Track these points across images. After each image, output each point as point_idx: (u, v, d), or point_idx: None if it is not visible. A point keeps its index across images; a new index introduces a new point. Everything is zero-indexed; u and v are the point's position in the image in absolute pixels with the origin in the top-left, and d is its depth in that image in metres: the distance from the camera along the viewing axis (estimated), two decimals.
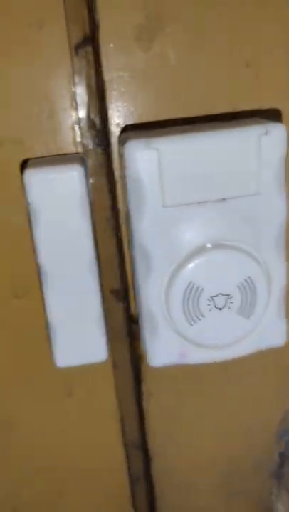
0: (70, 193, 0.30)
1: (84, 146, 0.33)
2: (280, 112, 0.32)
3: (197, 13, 0.31)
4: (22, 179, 0.30)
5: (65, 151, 0.33)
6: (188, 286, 0.30)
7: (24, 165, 0.32)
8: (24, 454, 0.41)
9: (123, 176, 0.31)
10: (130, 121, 0.32)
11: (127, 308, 0.37)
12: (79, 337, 0.34)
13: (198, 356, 0.32)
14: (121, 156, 0.31)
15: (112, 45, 0.31)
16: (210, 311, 0.30)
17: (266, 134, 0.29)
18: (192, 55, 0.31)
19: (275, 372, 0.40)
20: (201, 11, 0.31)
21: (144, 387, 0.38)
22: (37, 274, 0.34)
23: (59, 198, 0.30)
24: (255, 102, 0.32)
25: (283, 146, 0.29)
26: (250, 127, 0.28)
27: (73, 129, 0.33)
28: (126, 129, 0.32)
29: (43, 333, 0.36)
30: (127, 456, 0.41)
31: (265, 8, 0.31)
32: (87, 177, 0.31)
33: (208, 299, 0.30)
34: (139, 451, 0.41)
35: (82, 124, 0.32)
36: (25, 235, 0.34)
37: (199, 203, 0.29)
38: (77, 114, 0.32)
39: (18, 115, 0.32)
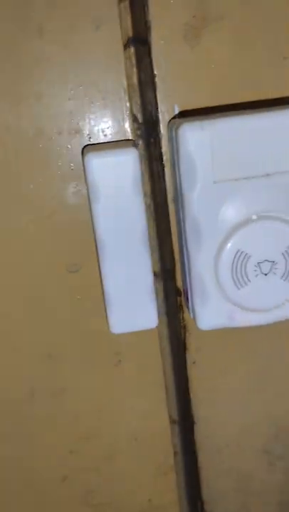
0: (125, 173, 0.34)
1: (136, 134, 0.36)
2: None
3: (238, 13, 0.34)
4: (83, 162, 0.34)
5: (118, 139, 0.37)
6: (236, 254, 0.33)
7: (84, 150, 0.36)
8: (74, 420, 0.44)
9: (174, 157, 0.34)
10: (178, 110, 0.36)
11: (171, 284, 0.40)
12: (132, 305, 0.37)
13: (244, 319, 0.35)
14: (171, 140, 0.35)
15: (162, 42, 0.35)
16: (256, 276, 0.33)
17: None
18: (234, 50, 0.35)
19: None
20: (241, 11, 0.34)
21: (188, 356, 0.42)
22: (87, 251, 0.38)
23: (116, 178, 0.34)
24: None
25: None
26: None
27: (126, 119, 0.36)
28: (174, 117, 0.36)
29: (94, 305, 0.40)
30: (172, 425, 0.45)
31: None
32: (140, 159, 0.35)
33: (254, 265, 0.33)
34: (183, 420, 0.45)
35: (135, 115, 0.36)
36: (78, 215, 0.38)
37: (246, 178, 0.33)
38: (130, 105, 0.36)
39: (77, 107, 0.36)
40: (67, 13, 0.34)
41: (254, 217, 0.33)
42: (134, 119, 0.36)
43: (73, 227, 0.38)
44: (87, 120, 0.36)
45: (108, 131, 0.36)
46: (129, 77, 0.35)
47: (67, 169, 0.37)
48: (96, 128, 0.36)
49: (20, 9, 0.33)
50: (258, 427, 0.44)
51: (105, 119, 0.36)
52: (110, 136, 0.37)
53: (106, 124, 0.36)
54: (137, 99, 0.36)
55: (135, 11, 0.34)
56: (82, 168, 0.36)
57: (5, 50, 0.34)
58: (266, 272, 0.33)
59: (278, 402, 0.44)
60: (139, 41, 0.35)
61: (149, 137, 0.37)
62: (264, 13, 0.35)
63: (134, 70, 0.35)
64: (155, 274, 0.40)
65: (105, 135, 0.37)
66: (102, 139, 0.37)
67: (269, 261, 0.33)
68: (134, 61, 0.35)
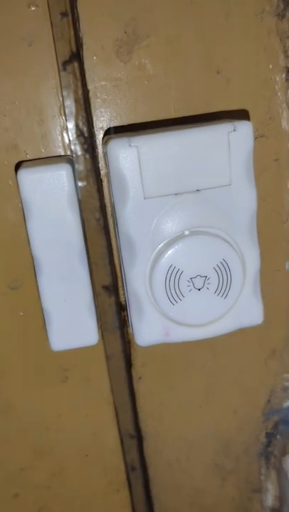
0: (59, 190, 0.34)
1: (72, 151, 0.36)
2: (248, 112, 0.36)
3: (170, 28, 0.34)
4: (16, 179, 0.34)
5: (55, 155, 0.37)
6: (169, 269, 0.33)
7: (18, 167, 0.36)
8: (24, 437, 0.43)
9: (107, 173, 0.34)
10: (113, 125, 0.36)
11: (116, 299, 0.40)
12: (72, 322, 0.37)
13: (180, 334, 0.35)
14: (105, 155, 0.35)
15: (95, 58, 0.35)
16: (190, 291, 0.33)
17: (234, 130, 0.32)
18: (167, 64, 0.35)
19: (259, 355, 0.42)
20: (173, 26, 0.34)
21: (134, 371, 0.41)
22: (29, 267, 0.38)
23: (50, 194, 0.34)
24: (225, 104, 0.36)
25: (250, 141, 0.32)
26: (219, 125, 0.32)
27: (62, 135, 0.36)
28: (109, 132, 0.36)
29: (38, 322, 0.39)
30: (122, 440, 0.44)
31: (233, 21, 0.35)
32: (75, 175, 0.35)
33: (187, 281, 0.33)
34: (133, 434, 0.44)
35: (70, 131, 0.36)
36: (17, 231, 0.37)
37: (176, 194, 0.33)
38: (65, 122, 0.36)
39: (12, 123, 0.35)
40: None
41: (186, 232, 0.33)
42: (70, 136, 0.36)
43: (14, 244, 0.38)
44: (23, 136, 0.36)
45: (45, 147, 0.36)
46: (69, 93, 0.35)
47: (5, 186, 0.37)
48: (32, 144, 0.36)
49: None
50: (207, 442, 0.44)
51: (41, 135, 0.36)
52: (47, 152, 0.36)
53: (42, 140, 0.36)
54: (72, 117, 0.35)
55: (68, 27, 0.34)
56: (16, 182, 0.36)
57: None
58: (199, 287, 0.33)
59: (225, 416, 0.44)
60: (74, 60, 0.35)
61: (93, 152, 0.37)
62: (196, 27, 0.35)
63: (69, 88, 0.35)
64: (105, 288, 0.40)
65: (42, 151, 0.36)
66: (39, 155, 0.36)
67: (202, 276, 0.33)
68: (68, 79, 0.35)
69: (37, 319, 0.39)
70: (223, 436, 0.44)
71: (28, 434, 0.43)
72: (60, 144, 0.36)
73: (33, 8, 0.34)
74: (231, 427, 0.44)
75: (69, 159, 0.35)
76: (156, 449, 0.44)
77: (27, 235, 0.35)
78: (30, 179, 0.33)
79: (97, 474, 0.45)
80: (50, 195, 0.34)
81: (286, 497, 0.44)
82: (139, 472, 0.46)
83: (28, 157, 0.36)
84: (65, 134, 0.36)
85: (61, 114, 0.35)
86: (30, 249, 0.36)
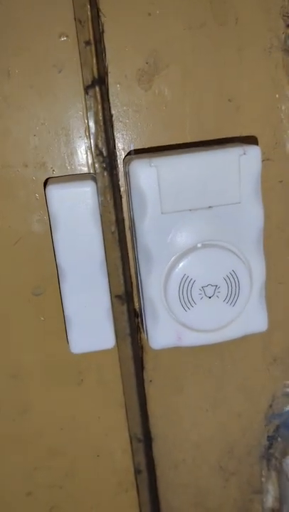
0: (84, 205, 0.37)
1: (95, 169, 0.40)
2: (256, 138, 0.39)
3: (187, 59, 0.38)
4: (45, 194, 0.37)
5: (79, 173, 0.40)
6: (182, 278, 0.36)
7: (46, 182, 0.39)
8: (39, 437, 0.46)
9: (128, 190, 0.37)
10: (133, 147, 0.39)
11: (128, 307, 0.43)
12: (91, 327, 0.40)
13: (191, 339, 0.38)
14: (126, 174, 0.38)
15: (118, 86, 0.38)
16: (201, 299, 0.36)
17: (244, 153, 0.35)
18: (183, 92, 0.39)
19: (262, 362, 0.45)
20: (190, 58, 0.38)
21: (146, 374, 0.44)
22: (51, 275, 0.41)
23: (75, 209, 0.37)
24: (235, 129, 0.39)
25: (258, 164, 0.36)
26: (231, 149, 0.35)
27: (86, 154, 0.40)
28: (130, 153, 0.39)
29: (57, 326, 0.42)
30: (131, 442, 0.47)
31: (245, 55, 0.39)
32: (98, 191, 0.38)
33: (199, 289, 0.36)
34: (140, 438, 0.47)
35: (93, 151, 0.39)
36: (42, 241, 0.40)
37: (190, 210, 0.36)
38: (90, 142, 0.39)
39: (41, 143, 0.39)
40: (32, 58, 0.37)
41: (199, 245, 0.36)
42: (93, 155, 0.39)
43: (38, 253, 0.41)
44: (50, 154, 0.39)
45: (70, 165, 0.40)
46: (91, 115, 0.38)
47: (32, 199, 0.40)
48: (59, 161, 0.39)
49: None
50: (212, 444, 0.47)
51: (68, 153, 0.39)
52: (72, 169, 0.40)
53: (68, 158, 0.39)
54: (95, 138, 0.39)
55: (95, 56, 0.38)
56: (44, 197, 0.39)
57: None
58: (210, 295, 0.36)
59: (231, 420, 0.46)
60: (100, 82, 0.38)
61: (112, 170, 0.40)
62: (210, 59, 0.38)
63: (98, 108, 0.38)
64: (118, 297, 0.43)
65: (68, 168, 0.40)
66: (65, 172, 0.40)
67: (212, 285, 0.36)
68: (92, 102, 0.38)
69: (56, 324, 0.42)
70: (228, 438, 0.47)
71: (43, 434, 0.46)
72: (84, 162, 0.39)
73: (63, 39, 0.37)
74: (235, 430, 0.47)
75: (92, 177, 0.38)
76: (164, 450, 0.47)
77: (51, 245, 0.39)
78: (58, 194, 0.37)
79: (108, 475, 0.48)
80: (75, 210, 0.37)
81: (286, 498, 0.46)
82: (145, 474, 0.48)
83: (55, 174, 0.39)
84: (89, 153, 0.39)
85: (86, 136, 0.39)
86: (53, 258, 0.39)
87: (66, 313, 0.39)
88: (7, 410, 0.45)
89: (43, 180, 0.39)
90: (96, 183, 0.38)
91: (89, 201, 0.37)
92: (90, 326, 0.40)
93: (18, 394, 0.44)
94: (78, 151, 0.39)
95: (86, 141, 0.39)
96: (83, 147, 0.39)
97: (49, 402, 0.45)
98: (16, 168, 0.39)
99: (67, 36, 0.37)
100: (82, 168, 0.40)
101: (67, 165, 0.40)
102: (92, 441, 0.47)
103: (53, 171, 0.39)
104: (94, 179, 0.38)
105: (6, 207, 0.40)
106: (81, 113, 0.39)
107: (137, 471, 0.48)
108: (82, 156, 0.39)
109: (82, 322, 0.40)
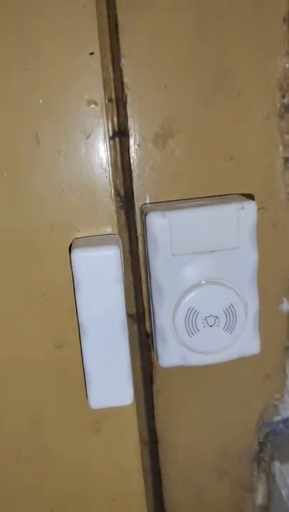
0: (107, 268, 0.40)
1: (118, 216, 0.45)
2: (253, 195, 0.47)
3: (197, 125, 0.45)
4: (70, 255, 0.40)
5: (103, 231, 0.44)
6: (188, 309, 0.43)
7: (72, 244, 0.43)
8: (57, 479, 0.49)
9: (144, 234, 0.45)
10: (149, 199, 0.46)
11: (140, 327, 0.50)
12: (110, 384, 0.42)
13: (195, 360, 0.45)
14: (142, 221, 0.45)
15: (136, 146, 0.45)
16: (204, 327, 0.44)
17: (243, 208, 0.43)
18: (193, 152, 0.46)
19: (255, 378, 0.52)
20: (199, 124, 0.45)
21: (154, 387, 0.51)
22: (72, 329, 0.43)
23: (99, 271, 0.40)
24: (236, 186, 0.46)
25: (254, 216, 0.43)
26: (231, 204, 0.43)
27: (111, 215, 0.44)
28: (145, 204, 0.46)
29: (76, 378, 0.45)
30: (146, 485, 0.50)
31: (245, 121, 0.46)
32: (121, 254, 0.40)
33: (202, 319, 0.43)
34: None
35: (114, 197, 0.45)
36: (65, 298, 0.44)
37: (197, 253, 0.43)
38: (113, 195, 0.44)
39: (68, 205, 0.43)
40: (60, 124, 0.43)
41: (203, 282, 0.43)
42: (117, 193, 0.45)
43: (61, 308, 0.45)
44: (76, 215, 0.44)
45: (96, 226, 0.44)
46: (112, 177, 0.44)
47: (57, 258, 0.44)
48: (84, 223, 0.44)
49: (19, 118, 0.42)
50: (210, 447, 0.54)
51: (92, 216, 0.44)
52: (97, 230, 0.44)
53: (94, 219, 0.44)
54: (118, 192, 0.45)
55: (112, 112, 0.45)
56: (69, 257, 0.42)
57: (5, 156, 0.42)
58: (211, 324, 0.44)
59: (226, 427, 0.53)
60: (122, 136, 0.45)
61: (128, 210, 0.47)
62: (216, 125, 0.45)
63: (118, 169, 0.45)
64: (130, 316, 0.50)
65: (93, 229, 0.44)
66: (90, 232, 0.44)
67: (213, 316, 0.43)
68: (117, 155, 0.46)
69: (75, 376, 0.46)
70: (223, 443, 0.54)
71: (61, 477, 0.49)
72: (109, 223, 0.44)
73: (92, 106, 0.45)
74: (230, 436, 0.54)
75: (116, 239, 0.42)
76: (168, 452, 0.54)
77: (74, 300, 0.42)
78: (82, 258, 0.39)
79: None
80: (99, 272, 0.39)
81: (273, 496, 0.53)
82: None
83: (80, 234, 0.44)
84: (114, 215, 0.44)
85: (111, 198, 0.44)
86: (75, 313, 0.42)
87: (86, 369, 0.42)
88: (28, 452, 0.48)
89: (69, 240, 0.43)
90: (120, 246, 0.41)
91: (112, 264, 0.39)
92: (110, 382, 0.42)
93: (37, 439, 0.48)
94: (103, 215, 0.44)
95: (111, 204, 0.44)
96: (108, 210, 0.44)
97: (67, 446, 0.48)
98: (42, 228, 0.43)
99: (96, 103, 0.44)
100: (107, 228, 0.44)
101: (92, 226, 0.44)
102: (107, 486, 0.50)
103: (79, 231, 0.44)
104: (117, 241, 0.42)
105: (33, 265, 0.44)
106: (107, 179, 0.44)
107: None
108: (107, 219, 0.44)
109: (102, 379, 0.42)
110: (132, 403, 0.44)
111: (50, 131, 0.43)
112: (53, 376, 0.46)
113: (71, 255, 0.40)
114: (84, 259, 0.40)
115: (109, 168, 0.45)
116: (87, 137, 0.44)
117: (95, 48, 0.42)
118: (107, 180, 0.45)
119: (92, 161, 0.44)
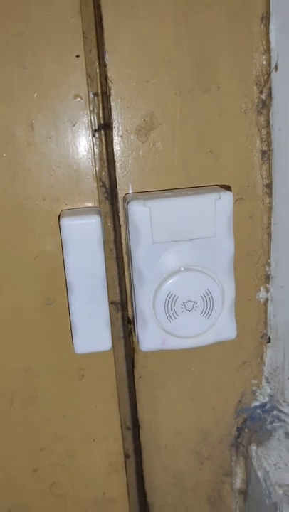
0: (91, 234, 0.45)
1: (100, 202, 0.49)
2: (230, 187, 0.49)
3: (177, 119, 0.47)
4: (59, 223, 0.46)
5: (86, 205, 0.49)
6: (168, 295, 0.45)
7: (60, 214, 0.48)
8: (45, 423, 0.54)
9: (126, 222, 0.47)
10: (132, 189, 0.48)
11: (122, 314, 0.52)
12: (92, 333, 0.48)
13: (174, 344, 0.47)
14: (124, 209, 0.47)
15: (119, 138, 0.47)
16: (182, 312, 0.45)
17: (220, 198, 0.45)
18: (173, 145, 0.48)
19: (232, 364, 0.54)
20: (179, 118, 0.47)
21: (136, 371, 0.53)
22: (60, 289, 0.49)
23: (83, 237, 0.45)
24: (215, 177, 0.48)
25: (231, 207, 0.45)
26: (209, 194, 0.45)
27: (93, 191, 0.48)
28: (128, 193, 0.48)
29: (63, 330, 0.51)
30: (122, 430, 0.56)
31: (224, 116, 0.48)
32: (102, 223, 0.47)
33: (181, 304, 0.45)
34: (129, 426, 0.56)
35: (99, 188, 0.48)
36: (54, 261, 0.49)
37: (175, 241, 0.45)
38: (97, 181, 0.48)
39: (56, 181, 0.48)
40: (51, 114, 0.46)
41: (181, 269, 0.45)
42: (99, 191, 0.48)
43: (51, 271, 0.50)
44: (64, 190, 0.48)
45: (80, 200, 0.48)
46: (95, 161, 0.48)
47: (48, 227, 0.48)
48: (70, 197, 0.48)
49: (17, 109, 0.46)
50: (189, 432, 0.56)
51: (77, 191, 0.48)
52: (81, 203, 0.48)
53: (79, 195, 0.48)
54: (101, 177, 0.48)
55: (102, 115, 0.47)
56: (58, 225, 0.48)
57: (5, 140, 0.47)
58: (189, 309, 0.45)
59: (206, 412, 0.55)
60: (106, 128, 0.47)
61: (112, 201, 0.49)
62: (196, 119, 0.47)
63: (101, 156, 0.48)
64: (114, 304, 0.52)
65: (77, 204, 0.48)
66: (75, 205, 0.48)
67: (191, 301, 0.45)
68: (99, 149, 0.48)
69: (62, 328, 0.51)
70: (203, 428, 0.56)
71: (49, 420, 0.55)
72: (91, 198, 0.48)
73: (77, 100, 0.47)
74: (209, 421, 0.56)
75: (98, 211, 0.47)
76: (149, 436, 0.56)
77: (62, 263, 0.47)
78: (70, 225, 0.45)
79: (101, 457, 0.57)
80: (83, 238, 0.46)
81: (250, 479, 0.55)
82: (132, 458, 0.57)
83: (67, 207, 0.48)
84: (95, 191, 0.48)
85: (93, 176, 0.48)
86: (63, 275, 0.48)
87: (72, 320, 0.48)
88: (19, 399, 0.53)
89: (58, 212, 0.48)
90: (100, 216, 0.47)
91: (94, 231, 0.46)
92: (92, 331, 0.48)
93: (28, 386, 0.53)
94: (87, 189, 0.48)
95: (93, 181, 0.48)
96: (90, 186, 0.48)
97: (55, 393, 0.53)
98: (35, 200, 0.48)
99: (80, 97, 0.46)
100: (89, 203, 0.49)
101: (77, 200, 0.48)
102: (89, 428, 0.55)
103: (66, 204, 0.48)
104: (99, 213, 0.47)
105: (28, 230, 0.48)
106: (91, 157, 0.48)
107: (126, 455, 0.57)
108: (90, 194, 0.48)
109: (85, 328, 0.48)
110: (110, 350, 0.50)
111: (42, 120, 0.47)
112: (43, 330, 0.51)
113: (60, 223, 0.46)
114: (71, 226, 0.45)
115: (91, 151, 0.48)
116: (73, 125, 0.47)
117: (80, 51, 0.46)
118: (90, 161, 0.48)
119: (77, 145, 0.48)
